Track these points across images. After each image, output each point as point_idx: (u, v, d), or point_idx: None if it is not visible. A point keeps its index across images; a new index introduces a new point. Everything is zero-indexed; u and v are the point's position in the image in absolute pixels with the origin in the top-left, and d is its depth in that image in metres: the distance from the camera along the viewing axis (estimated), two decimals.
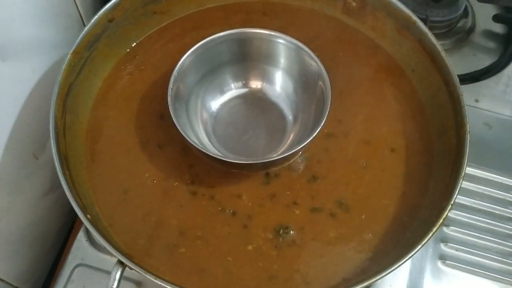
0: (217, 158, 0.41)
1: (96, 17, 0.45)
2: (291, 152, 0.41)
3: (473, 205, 0.53)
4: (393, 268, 0.37)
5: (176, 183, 0.43)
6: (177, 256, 0.41)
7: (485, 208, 0.53)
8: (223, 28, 0.45)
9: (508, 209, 0.53)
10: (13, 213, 0.46)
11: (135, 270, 0.36)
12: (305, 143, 0.41)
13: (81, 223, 0.42)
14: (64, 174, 0.39)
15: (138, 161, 0.44)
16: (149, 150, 0.45)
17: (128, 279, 0.47)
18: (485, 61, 0.64)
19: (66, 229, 0.57)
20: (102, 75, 0.48)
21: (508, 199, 0.54)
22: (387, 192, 0.43)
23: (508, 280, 0.50)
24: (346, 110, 0.47)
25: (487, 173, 0.55)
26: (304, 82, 0.46)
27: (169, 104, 0.41)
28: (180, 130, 0.40)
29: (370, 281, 0.36)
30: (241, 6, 0.52)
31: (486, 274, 0.50)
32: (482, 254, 0.51)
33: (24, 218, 0.48)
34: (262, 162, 0.43)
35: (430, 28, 0.47)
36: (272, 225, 0.42)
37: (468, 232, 0.52)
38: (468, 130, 0.41)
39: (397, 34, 0.48)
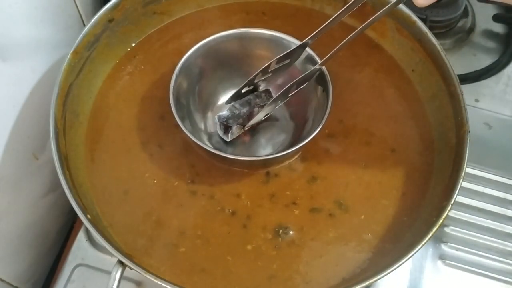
0: (219, 155, 0.41)
1: (96, 17, 0.45)
2: (291, 150, 0.41)
3: (473, 205, 0.53)
4: (393, 268, 0.37)
5: (176, 182, 0.43)
6: (177, 256, 0.41)
7: (485, 208, 0.53)
8: (223, 28, 0.45)
9: (508, 208, 0.53)
10: (13, 213, 0.46)
11: (135, 270, 0.36)
12: (305, 141, 0.41)
13: (81, 223, 0.42)
14: (64, 174, 0.39)
15: (138, 161, 0.44)
16: (149, 150, 0.45)
17: (128, 279, 0.47)
18: (485, 61, 0.64)
19: (66, 229, 0.57)
20: (102, 75, 0.48)
21: (508, 198, 0.54)
22: (387, 192, 0.43)
23: (508, 280, 0.50)
24: (347, 110, 0.47)
25: (487, 173, 0.55)
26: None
27: (171, 103, 0.41)
28: (182, 128, 0.40)
29: (370, 281, 0.37)
30: (241, 6, 0.52)
31: (486, 273, 0.50)
32: (482, 254, 0.51)
33: (24, 218, 0.48)
34: (262, 160, 0.43)
35: (430, 28, 0.47)
36: (272, 225, 0.42)
37: (468, 231, 0.52)
38: (468, 130, 0.41)
39: (397, 34, 0.49)
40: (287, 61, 0.43)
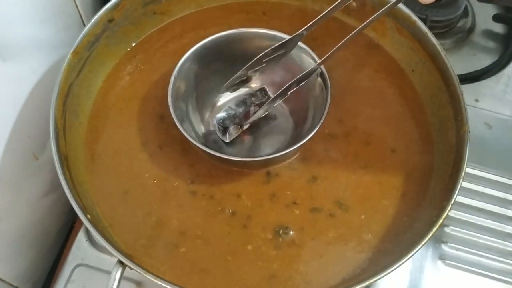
0: (218, 156, 0.41)
1: (96, 17, 0.45)
2: (289, 150, 0.41)
3: (473, 205, 0.53)
4: (393, 268, 0.37)
5: (176, 183, 0.43)
6: (177, 256, 0.41)
7: (485, 208, 0.53)
8: (223, 28, 0.45)
9: (508, 208, 0.53)
10: (13, 213, 0.46)
11: (135, 270, 0.36)
12: (304, 141, 0.41)
13: (81, 223, 0.42)
14: (64, 174, 0.39)
15: (138, 161, 0.44)
16: (149, 150, 0.45)
17: (128, 279, 0.47)
18: (485, 61, 0.64)
19: (66, 229, 0.57)
20: (102, 75, 0.48)
21: (508, 198, 0.54)
22: (387, 192, 0.43)
23: (508, 280, 0.50)
24: (347, 110, 0.47)
25: (487, 173, 0.55)
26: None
27: (169, 104, 0.42)
28: (181, 129, 0.41)
29: (370, 281, 0.37)
30: (241, 6, 0.52)
31: (486, 273, 0.50)
32: (482, 254, 0.51)
33: (24, 218, 0.48)
34: (261, 160, 0.43)
35: (430, 28, 0.47)
36: (272, 225, 0.42)
37: (468, 231, 0.52)
38: (468, 130, 0.41)
39: (397, 34, 0.48)
40: (282, 51, 0.43)
